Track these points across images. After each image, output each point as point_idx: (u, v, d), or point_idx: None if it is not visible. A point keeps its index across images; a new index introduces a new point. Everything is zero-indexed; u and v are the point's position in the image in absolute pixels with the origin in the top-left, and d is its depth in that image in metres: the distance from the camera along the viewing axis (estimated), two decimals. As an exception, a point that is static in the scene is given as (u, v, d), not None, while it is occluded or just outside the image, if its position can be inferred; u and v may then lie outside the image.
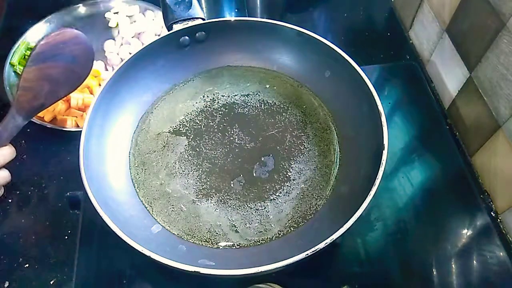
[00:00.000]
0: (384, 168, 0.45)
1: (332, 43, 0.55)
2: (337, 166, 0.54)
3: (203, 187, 0.53)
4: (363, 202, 0.42)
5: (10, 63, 0.69)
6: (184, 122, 0.59)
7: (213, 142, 0.57)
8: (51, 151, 0.61)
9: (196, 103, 0.60)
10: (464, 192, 0.56)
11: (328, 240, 0.40)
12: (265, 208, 0.51)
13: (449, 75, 0.62)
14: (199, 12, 0.58)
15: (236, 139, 0.57)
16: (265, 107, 0.60)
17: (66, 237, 0.54)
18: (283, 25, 0.57)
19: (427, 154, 0.59)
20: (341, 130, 0.56)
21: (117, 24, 0.76)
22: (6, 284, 0.51)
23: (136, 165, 0.55)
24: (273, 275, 0.43)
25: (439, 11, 0.63)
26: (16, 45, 0.71)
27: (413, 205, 0.55)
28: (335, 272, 0.51)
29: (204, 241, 0.49)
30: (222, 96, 0.61)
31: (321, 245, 0.40)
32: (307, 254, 0.40)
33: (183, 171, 0.54)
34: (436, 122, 0.62)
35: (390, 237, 0.52)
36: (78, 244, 0.52)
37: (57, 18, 0.76)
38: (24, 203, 0.57)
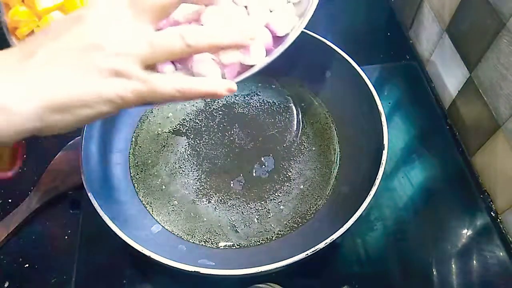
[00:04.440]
0: (384, 168, 0.45)
1: (332, 43, 0.55)
2: (337, 166, 0.54)
3: (203, 187, 0.53)
4: (363, 202, 0.42)
5: None
6: (184, 122, 0.59)
7: (213, 142, 0.57)
8: (51, 150, 0.61)
9: (196, 103, 0.60)
10: (464, 192, 0.56)
11: (328, 240, 0.40)
12: (265, 208, 0.51)
13: (449, 75, 0.62)
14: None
15: (236, 139, 0.57)
16: (265, 107, 0.60)
17: (66, 237, 0.54)
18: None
19: (427, 154, 0.59)
20: (341, 130, 0.56)
21: None
22: (6, 284, 0.51)
23: (136, 165, 0.55)
24: (273, 275, 0.43)
25: (439, 11, 0.62)
26: None
27: (413, 205, 0.55)
28: (335, 272, 0.51)
29: (204, 241, 0.49)
30: (222, 96, 0.61)
31: (321, 245, 0.40)
32: (307, 254, 0.40)
33: (183, 171, 0.54)
34: (436, 122, 0.62)
35: (390, 237, 0.52)
36: (78, 244, 0.52)
37: None
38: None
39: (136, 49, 0.31)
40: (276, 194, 0.52)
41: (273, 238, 0.49)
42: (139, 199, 0.52)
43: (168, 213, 0.51)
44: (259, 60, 0.38)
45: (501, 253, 0.51)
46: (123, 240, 0.41)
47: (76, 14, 0.32)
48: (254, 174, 0.54)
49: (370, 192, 0.43)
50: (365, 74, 0.52)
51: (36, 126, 0.29)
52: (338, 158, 0.54)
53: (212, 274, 0.40)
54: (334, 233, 0.41)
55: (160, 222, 0.51)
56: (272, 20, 0.42)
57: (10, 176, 0.34)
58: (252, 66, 0.39)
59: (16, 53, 0.30)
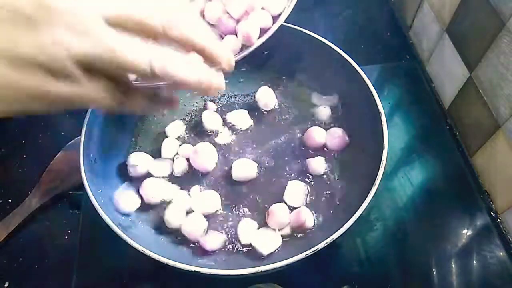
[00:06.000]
0: (384, 168, 0.45)
1: (332, 43, 0.55)
2: (338, 166, 0.54)
3: (204, 187, 0.53)
4: (363, 202, 0.42)
5: None
6: (184, 122, 0.59)
7: (213, 142, 0.56)
8: (51, 150, 0.61)
9: (196, 103, 0.60)
10: (464, 192, 0.56)
11: (328, 240, 0.40)
12: (265, 208, 0.51)
13: (449, 75, 0.62)
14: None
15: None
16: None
17: (66, 237, 0.54)
18: (283, 25, 0.57)
19: (427, 154, 0.59)
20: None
21: None
22: (6, 284, 0.51)
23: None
24: (273, 275, 0.43)
25: (439, 11, 0.63)
26: None
27: (413, 205, 0.55)
28: (335, 272, 0.51)
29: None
30: (222, 96, 0.61)
31: (321, 245, 0.40)
32: (307, 254, 0.40)
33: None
34: (436, 122, 0.62)
35: (390, 237, 0.52)
36: (78, 244, 0.52)
37: None
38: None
39: (94, 48, 0.27)
40: (276, 194, 0.52)
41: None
42: (139, 199, 0.52)
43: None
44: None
45: (501, 253, 0.51)
46: (123, 240, 0.41)
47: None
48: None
49: (370, 192, 0.43)
50: (365, 74, 0.52)
51: None
52: (339, 158, 0.54)
53: (212, 274, 0.40)
54: (334, 233, 0.41)
55: (160, 222, 0.51)
56: (266, 3, 0.47)
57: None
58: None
59: None
